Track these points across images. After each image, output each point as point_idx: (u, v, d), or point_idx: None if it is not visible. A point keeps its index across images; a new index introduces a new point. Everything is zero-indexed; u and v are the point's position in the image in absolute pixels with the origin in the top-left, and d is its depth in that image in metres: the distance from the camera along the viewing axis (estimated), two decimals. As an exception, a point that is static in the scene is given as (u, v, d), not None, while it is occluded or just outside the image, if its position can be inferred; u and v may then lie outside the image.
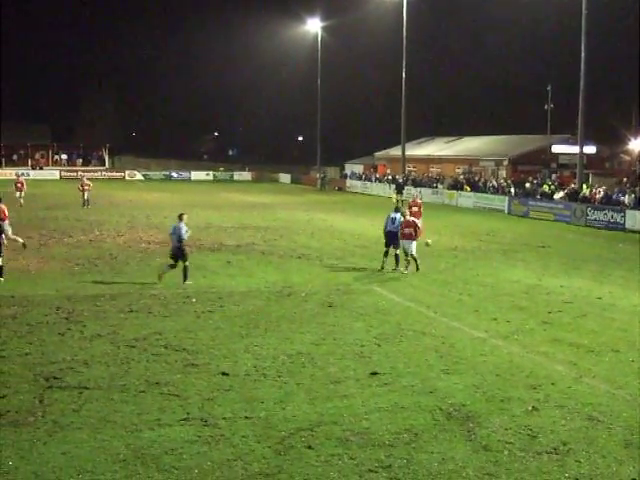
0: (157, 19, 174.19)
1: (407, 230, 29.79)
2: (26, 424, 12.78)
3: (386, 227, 30.02)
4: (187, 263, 26.26)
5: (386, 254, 29.94)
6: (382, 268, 29.80)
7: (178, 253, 26.08)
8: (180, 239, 25.95)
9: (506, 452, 11.98)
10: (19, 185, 57.32)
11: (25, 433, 12.39)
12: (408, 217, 31.13)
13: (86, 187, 57.05)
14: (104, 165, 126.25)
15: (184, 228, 26.15)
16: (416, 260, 29.75)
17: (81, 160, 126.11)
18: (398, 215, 30.21)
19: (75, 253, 32.37)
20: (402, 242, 29.75)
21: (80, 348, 17.56)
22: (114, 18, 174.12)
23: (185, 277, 26.08)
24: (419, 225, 30.85)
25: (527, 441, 12.46)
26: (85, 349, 17.49)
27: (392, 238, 29.82)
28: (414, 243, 29.90)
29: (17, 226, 41.16)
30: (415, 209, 40.34)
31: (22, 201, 55.63)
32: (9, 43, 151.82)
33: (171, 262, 26.28)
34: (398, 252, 29.73)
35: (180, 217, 26.62)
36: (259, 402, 14.05)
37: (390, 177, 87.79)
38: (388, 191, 78.34)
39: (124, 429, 12.64)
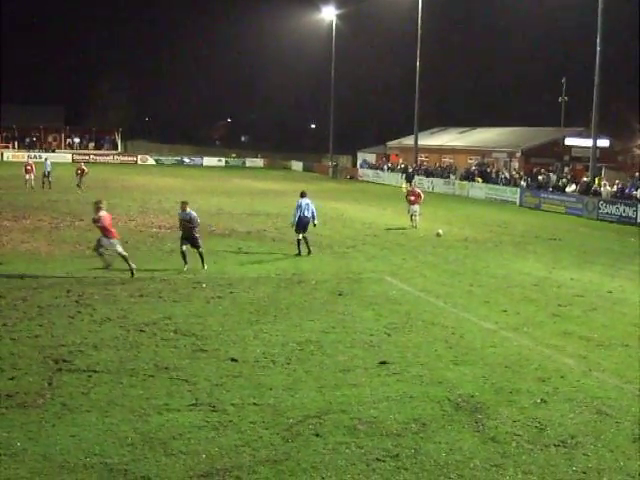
0: (172, 4, 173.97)
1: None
2: (35, 406, 12.81)
3: (302, 213, 30.18)
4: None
5: (300, 241, 30.28)
6: (299, 254, 30.17)
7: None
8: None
9: (514, 444, 11.96)
10: (28, 168, 57.62)
11: (34, 415, 12.42)
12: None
13: (84, 171, 57.28)
14: (116, 149, 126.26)
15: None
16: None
17: (93, 144, 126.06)
18: (308, 200, 30.61)
19: (86, 236, 32.36)
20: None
21: (90, 331, 17.60)
22: (129, 2, 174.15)
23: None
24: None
25: (535, 433, 12.44)
26: (95, 332, 17.52)
27: (305, 224, 30.30)
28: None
29: (28, 209, 41.33)
30: (412, 198, 40.57)
31: (33, 184, 55.82)
32: (24, 26, 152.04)
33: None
34: (306, 235, 30.35)
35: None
36: (268, 389, 14.05)
37: (402, 167, 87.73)
38: (400, 180, 78.33)
39: (132, 413, 12.66)
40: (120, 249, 24.45)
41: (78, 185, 55.82)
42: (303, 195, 30.69)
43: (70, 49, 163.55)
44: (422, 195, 41.60)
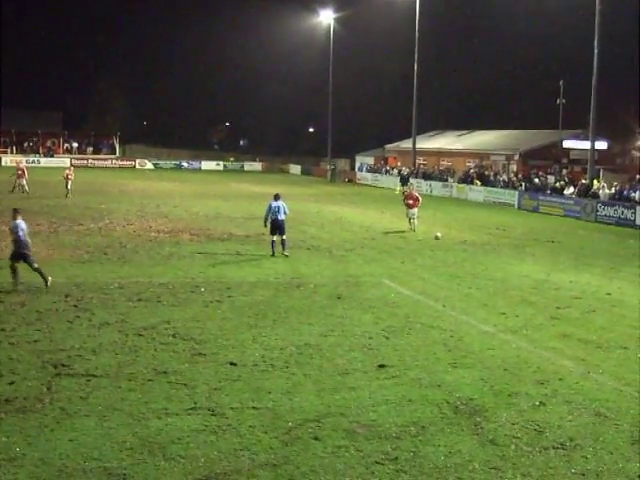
0: (170, 8, 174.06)
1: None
2: (34, 411, 12.81)
3: (274, 215, 30.40)
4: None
5: (274, 242, 30.56)
6: (273, 254, 30.35)
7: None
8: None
9: (513, 446, 11.97)
10: (19, 172, 57.54)
11: (33, 420, 12.42)
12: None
13: (70, 177, 57.01)
14: (115, 153, 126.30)
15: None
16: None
17: (92, 148, 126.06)
18: (280, 203, 30.79)
19: (85, 241, 32.42)
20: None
21: (88, 336, 17.60)
22: (127, 6, 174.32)
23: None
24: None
25: (534, 436, 12.45)
26: (93, 337, 17.52)
27: (279, 226, 30.50)
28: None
29: (27, 214, 41.31)
30: (411, 202, 40.60)
31: (27, 188, 55.73)
32: (22, 30, 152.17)
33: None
34: (284, 237, 30.57)
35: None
36: (266, 392, 14.05)
37: (396, 170, 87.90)
38: (396, 183, 78.43)
39: (131, 417, 12.67)
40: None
41: (67, 192, 55.48)
42: (277, 198, 30.93)
43: (68, 53, 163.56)
44: (420, 199, 41.60)
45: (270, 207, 30.46)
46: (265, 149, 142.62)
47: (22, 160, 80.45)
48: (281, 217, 30.24)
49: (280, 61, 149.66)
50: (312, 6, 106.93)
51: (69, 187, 55.68)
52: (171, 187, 71.92)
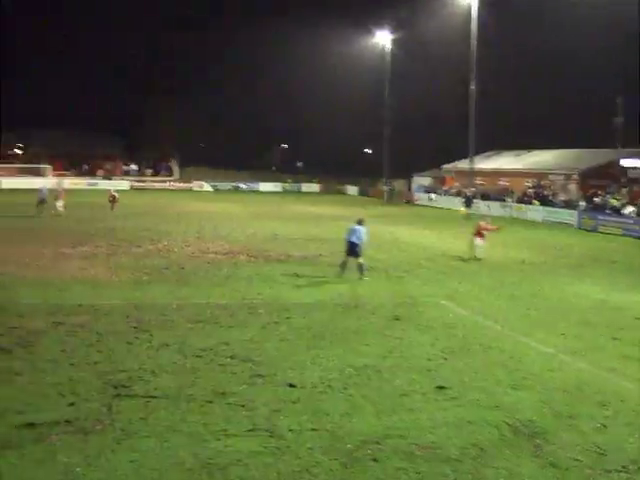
0: (225, 32, 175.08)
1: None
2: (94, 432, 12.89)
3: (348, 237, 30.43)
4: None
5: (344, 264, 30.44)
6: (341, 275, 30.25)
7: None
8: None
9: (574, 469, 11.84)
10: (110, 198, 61.29)
11: (93, 441, 12.50)
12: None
13: (114, 199, 58.86)
14: (173, 175, 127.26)
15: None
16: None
17: (151, 170, 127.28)
18: (358, 227, 30.61)
19: (143, 263, 32.66)
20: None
21: (148, 357, 17.70)
22: (184, 31, 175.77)
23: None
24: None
25: (595, 458, 12.30)
26: (153, 358, 17.61)
27: (352, 249, 30.23)
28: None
29: (86, 236, 41.80)
30: (483, 233, 39.77)
31: (60, 209, 56.54)
32: (80, 57, 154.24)
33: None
34: (360, 261, 30.22)
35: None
36: (325, 414, 14.03)
37: (458, 191, 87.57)
38: (456, 204, 78.15)
39: (191, 438, 12.70)
40: None
41: (112, 207, 57.48)
42: (359, 222, 30.80)
43: (125, 76, 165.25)
44: (495, 229, 40.69)
45: (348, 229, 30.65)
46: (322, 170, 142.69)
47: (61, 181, 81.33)
48: (355, 240, 30.12)
49: (337, 83, 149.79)
50: (369, 27, 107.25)
51: (114, 209, 57.18)
52: (229, 208, 72.25)
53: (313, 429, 13.27)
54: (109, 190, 66.78)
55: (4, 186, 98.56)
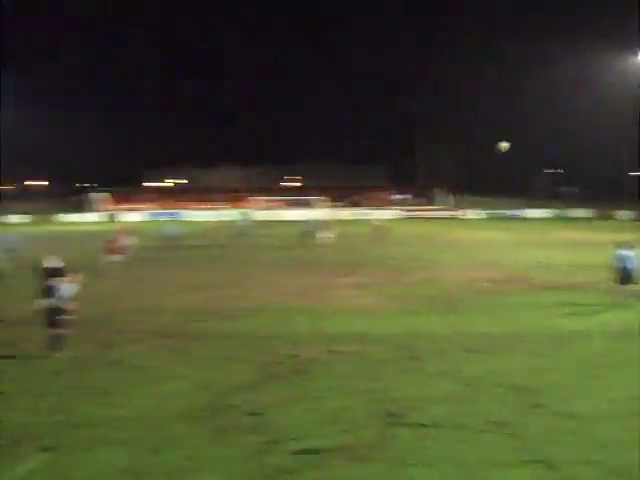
0: (497, 64, 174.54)
1: None
2: (369, 459, 13.09)
3: (622, 264, 29.31)
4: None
5: (616, 291, 29.53)
6: (614, 303, 29.16)
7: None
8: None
9: None
10: (377, 228, 64.19)
11: (367, 468, 12.71)
12: None
13: (382, 228, 59.83)
14: (445, 204, 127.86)
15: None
16: None
17: (425, 199, 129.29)
18: (630, 253, 29.45)
19: (412, 291, 32.86)
20: None
21: (421, 385, 17.80)
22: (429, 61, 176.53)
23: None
24: None
25: None
26: (426, 386, 17.71)
27: (626, 275, 29.24)
28: None
29: (356, 266, 42.59)
30: None
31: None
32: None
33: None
34: (636, 287, 29.09)
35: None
36: (601, 445, 13.64)
37: None
38: None
39: (461, 468, 12.67)
40: None
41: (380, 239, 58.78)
42: (628, 247, 29.83)
43: (389, 110, 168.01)
44: None
45: (616, 255, 29.74)
46: (589, 194, 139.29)
47: (331, 211, 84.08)
48: (628, 266, 29.26)
49: (608, 104, 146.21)
50: (631, 47, 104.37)
51: (381, 238, 58.26)
52: (495, 236, 71.63)
53: (587, 461, 12.92)
54: (376, 220, 68.00)
55: (282, 217, 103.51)
